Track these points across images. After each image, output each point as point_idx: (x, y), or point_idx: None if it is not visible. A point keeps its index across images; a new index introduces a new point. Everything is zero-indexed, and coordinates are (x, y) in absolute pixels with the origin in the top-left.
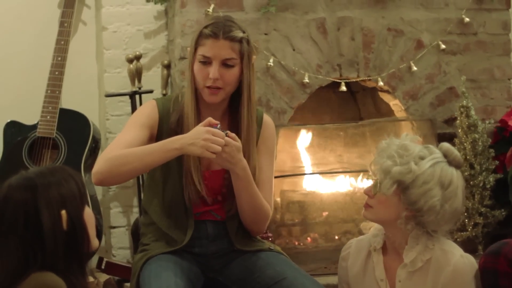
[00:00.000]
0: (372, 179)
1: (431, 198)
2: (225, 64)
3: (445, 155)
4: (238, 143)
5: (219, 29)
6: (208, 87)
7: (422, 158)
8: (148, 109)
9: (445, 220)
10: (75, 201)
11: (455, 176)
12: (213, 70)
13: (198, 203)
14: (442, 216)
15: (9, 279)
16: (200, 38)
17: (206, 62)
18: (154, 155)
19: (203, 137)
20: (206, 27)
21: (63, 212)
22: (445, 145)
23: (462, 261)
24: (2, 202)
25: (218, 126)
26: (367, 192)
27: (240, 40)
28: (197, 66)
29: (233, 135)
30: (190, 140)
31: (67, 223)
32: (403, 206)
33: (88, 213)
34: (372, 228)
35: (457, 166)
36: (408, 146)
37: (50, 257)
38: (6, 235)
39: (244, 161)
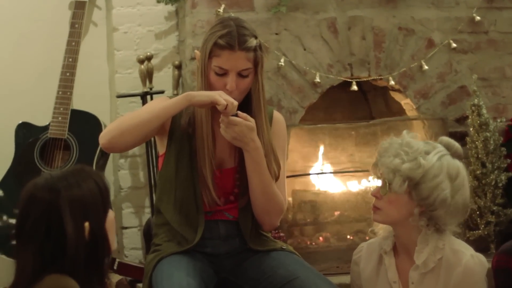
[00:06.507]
0: (379, 179)
1: (442, 191)
2: (240, 74)
3: (447, 148)
4: (249, 123)
5: (234, 40)
6: None
7: (427, 152)
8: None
9: (456, 212)
10: (97, 210)
11: (461, 167)
12: (231, 83)
13: (211, 203)
14: (454, 209)
15: (26, 282)
16: (214, 48)
17: (223, 73)
18: (164, 106)
19: (217, 91)
20: (220, 37)
21: (86, 224)
22: (445, 138)
23: (472, 261)
24: (27, 202)
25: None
26: (374, 194)
27: (254, 49)
28: (213, 77)
29: (244, 114)
30: (203, 91)
31: (89, 234)
32: (414, 203)
33: (110, 218)
34: (382, 230)
35: (460, 157)
36: (411, 143)
37: (70, 264)
38: (27, 240)
39: (258, 142)
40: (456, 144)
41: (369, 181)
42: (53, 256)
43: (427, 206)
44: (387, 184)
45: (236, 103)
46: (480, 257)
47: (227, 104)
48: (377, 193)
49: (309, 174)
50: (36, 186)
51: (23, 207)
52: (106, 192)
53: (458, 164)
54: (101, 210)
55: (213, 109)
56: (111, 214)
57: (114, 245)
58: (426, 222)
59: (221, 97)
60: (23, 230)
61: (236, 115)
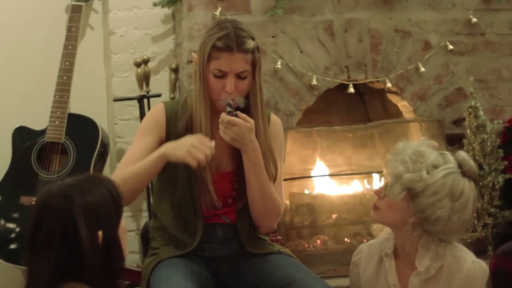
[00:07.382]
0: (385, 180)
1: (440, 209)
2: (239, 76)
3: (460, 165)
4: (248, 124)
5: (232, 42)
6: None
7: (435, 167)
8: (155, 114)
9: (452, 231)
10: (110, 217)
11: (467, 188)
12: (230, 84)
13: (210, 207)
14: (449, 227)
15: None
16: (213, 51)
17: (221, 76)
18: (145, 169)
19: (190, 142)
20: (218, 39)
21: (100, 233)
22: (462, 154)
23: (473, 268)
24: (40, 209)
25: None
26: (377, 192)
27: (252, 51)
28: (212, 79)
29: (244, 115)
30: (175, 145)
31: (103, 242)
32: (410, 213)
33: (122, 226)
34: (384, 232)
35: (471, 177)
36: (424, 152)
37: (87, 272)
38: (41, 248)
39: (256, 143)
40: (470, 163)
41: (373, 182)
42: (69, 265)
43: (422, 219)
44: (388, 187)
45: (212, 144)
46: (482, 263)
47: (198, 162)
48: (380, 192)
49: (306, 177)
50: (49, 193)
51: (36, 215)
52: (118, 199)
53: (465, 185)
54: (114, 217)
55: (211, 112)
56: (123, 221)
57: (126, 252)
58: (420, 234)
59: (192, 154)
60: (37, 238)
61: (236, 116)
